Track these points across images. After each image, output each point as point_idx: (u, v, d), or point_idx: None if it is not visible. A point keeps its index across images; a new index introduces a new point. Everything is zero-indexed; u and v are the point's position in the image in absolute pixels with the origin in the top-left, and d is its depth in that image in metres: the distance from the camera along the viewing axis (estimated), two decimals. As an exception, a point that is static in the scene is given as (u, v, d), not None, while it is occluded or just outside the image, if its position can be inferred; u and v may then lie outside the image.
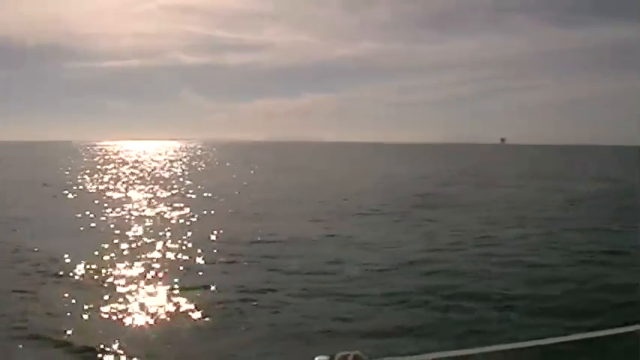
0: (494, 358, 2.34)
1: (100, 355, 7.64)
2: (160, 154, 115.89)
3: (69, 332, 8.40)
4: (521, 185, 36.39)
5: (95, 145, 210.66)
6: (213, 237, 16.21)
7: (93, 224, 18.79)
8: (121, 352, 7.70)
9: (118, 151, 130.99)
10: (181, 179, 41.99)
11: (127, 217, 20.89)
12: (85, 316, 9.21)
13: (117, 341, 7.98)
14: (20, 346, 8.02)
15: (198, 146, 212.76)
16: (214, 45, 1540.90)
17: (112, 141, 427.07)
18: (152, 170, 56.30)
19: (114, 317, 9.21)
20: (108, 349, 7.77)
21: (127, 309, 9.57)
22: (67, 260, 12.79)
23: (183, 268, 12.56)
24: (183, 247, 14.74)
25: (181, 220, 20.02)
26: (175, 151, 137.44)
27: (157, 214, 21.78)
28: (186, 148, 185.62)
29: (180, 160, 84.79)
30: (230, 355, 8.02)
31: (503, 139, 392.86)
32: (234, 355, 8.04)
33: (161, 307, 9.70)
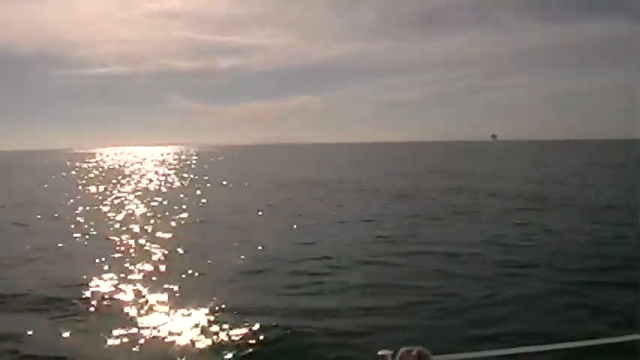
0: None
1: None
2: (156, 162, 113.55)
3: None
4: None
5: (90, 153, 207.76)
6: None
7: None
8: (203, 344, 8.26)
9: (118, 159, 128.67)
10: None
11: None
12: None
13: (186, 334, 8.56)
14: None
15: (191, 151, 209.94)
16: (201, 50, 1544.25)
17: (101, 148, 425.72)
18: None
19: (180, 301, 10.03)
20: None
21: (194, 300, 10.05)
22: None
23: (240, 264, 13.35)
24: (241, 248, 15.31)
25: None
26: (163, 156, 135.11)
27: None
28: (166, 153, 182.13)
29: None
30: (295, 348, 8.11)
31: (494, 136, 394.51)
32: (299, 348, 8.11)
33: (224, 303, 10.01)
